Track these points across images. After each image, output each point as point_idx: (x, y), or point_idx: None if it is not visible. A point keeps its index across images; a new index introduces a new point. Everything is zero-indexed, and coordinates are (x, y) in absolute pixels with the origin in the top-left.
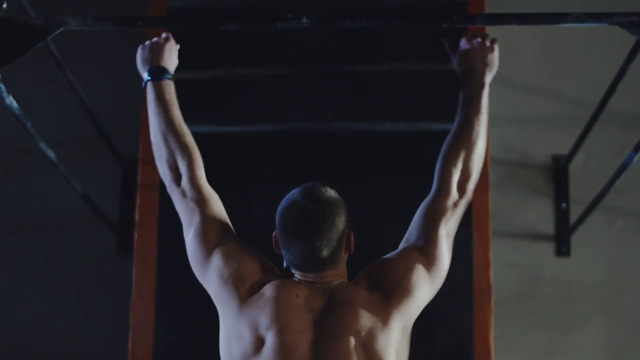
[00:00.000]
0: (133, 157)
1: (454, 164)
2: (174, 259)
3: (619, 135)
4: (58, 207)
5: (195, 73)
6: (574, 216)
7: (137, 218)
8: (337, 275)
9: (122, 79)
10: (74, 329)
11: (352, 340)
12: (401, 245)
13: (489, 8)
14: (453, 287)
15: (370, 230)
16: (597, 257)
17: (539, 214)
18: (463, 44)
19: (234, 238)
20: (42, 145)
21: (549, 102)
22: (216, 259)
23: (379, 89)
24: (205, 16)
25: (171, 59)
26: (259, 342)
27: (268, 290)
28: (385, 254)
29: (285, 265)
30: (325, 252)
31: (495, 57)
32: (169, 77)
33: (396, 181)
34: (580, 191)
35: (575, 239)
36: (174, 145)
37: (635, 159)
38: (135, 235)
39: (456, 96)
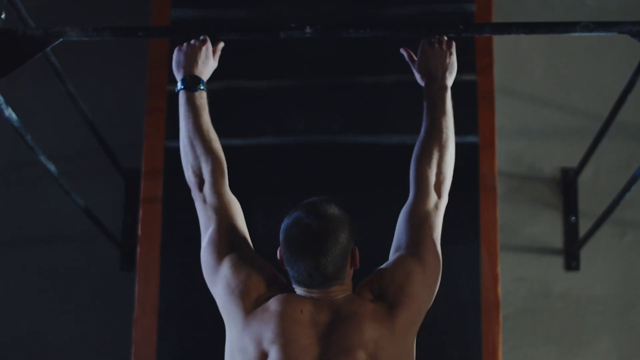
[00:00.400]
0: (136, 171)
1: (429, 167)
2: (177, 273)
3: (629, 148)
4: (62, 222)
5: None
6: (583, 230)
7: (139, 231)
8: (343, 289)
9: (125, 91)
10: (76, 343)
11: (360, 354)
12: (392, 254)
13: (497, 19)
14: (461, 302)
15: (376, 242)
16: (606, 271)
17: (548, 228)
18: (421, 50)
19: (246, 249)
20: (43, 158)
21: (557, 114)
22: (224, 269)
23: (384, 101)
24: (207, 26)
25: (207, 65)
26: (263, 357)
27: (273, 304)
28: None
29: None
30: (330, 269)
31: (454, 60)
32: (202, 87)
33: (402, 193)
34: (589, 204)
35: (584, 253)
36: (199, 152)
37: None
38: (138, 249)
39: (463, 108)
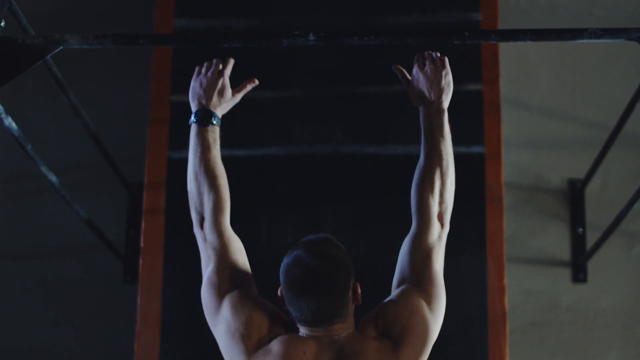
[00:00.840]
0: (140, 183)
1: (432, 196)
2: (180, 286)
3: (636, 158)
4: (64, 234)
5: None
6: (590, 241)
7: (142, 243)
8: (345, 327)
9: (128, 102)
10: (79, 356)
11: None
12: (395, 286)
13: (502, 28)
14: (467, 314)
15: (380, 254)
16: (614, 283)
17: (555, 240)
18: (415, 71)
19: (247, 288)
20: (44, 169)
21: (564, 125)
22: (224, 310)
23: (390, 111)
24: (210, 34)
25: (223, 99)
26: None
27: (275, 346)
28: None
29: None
30: (332, 308)
31: (449, 80)
32: (215, 122)
33: (408, 204)
34: (596, 216)
35: (592, 265)
36: (203, 188)
37: None
38: (140, 261)
39: (469, 118)
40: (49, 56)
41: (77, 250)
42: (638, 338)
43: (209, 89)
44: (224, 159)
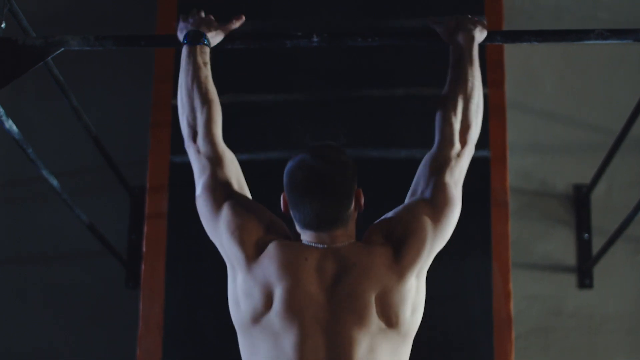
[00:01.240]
0: (142, 187)
1: (454, 114)
2: (182, 291)
3: None
4: (66, 239)
5: None
6: (596, 247)
7: (144, 248)
8: (347, 235)
9: (130, 106)
10: None
11: (367, 298)
12: (407, 198)
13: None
14: (472, 319)
15: None
16: (620, 288)
17: (560, 245)
18: (451, 15)
19: (244, 194)
20: (45, 172)
21: (569, 129)
22: (224, 213)
23: (393, 115)
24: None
25: (211, 26)
26: (268, 300)
27: (277, 250)
28: None
29: (296, 227)
30: (335, 210)
31: (484, 25)
32: (205, 42)
33: None
34: (602, 221)
35: (597, 270)
36: (196, 103)
37: None
38: (143, 265)
39: None
40: (49, 57)
41: (79, 255)
42: None
43: (197, 21)
44: None
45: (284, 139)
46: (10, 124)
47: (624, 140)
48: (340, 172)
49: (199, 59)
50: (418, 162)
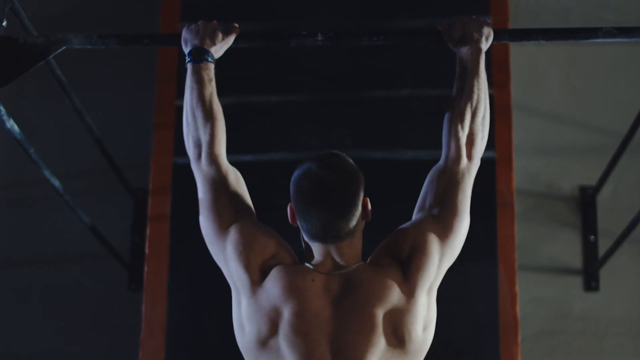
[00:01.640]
0: (145, 190)
1: (460, 129)
2: (185, 293)
3: None
4: (69, 241)
5: None
6: (602, 249)
7: (147, 250)
8: (354, 247)
9: (133, 107)
10: None
11: (375, 318)
12: (415, 215)
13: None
14: (478, 322)
15: None
16: (627, 291)
17: (566, 247)
18: (457, 19)
19: (250, 216)
20: (47, 173)
21: (575, 131)
22: (231, 238)
23: (398, 116)
24: None
25: (215, 39)
26: (274, 325)
27: (282, 274)
28: None
29: (302, 237)
30: (342, 220)
31: (491, 30)
32: (209, 59)
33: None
34: (608, 223)
35: (604, 273)
36: (200, 122)
37: None
38: (145, 268)
39: None
40: (51, 56)
41: (81, 257)
42: None
43: (200, 33)
44: (230, 164)
45: (288, 140)
46: (11, 124)
47: (630, 142)
48: (346, 180)
49: (204, 76)
50: (424, 163)
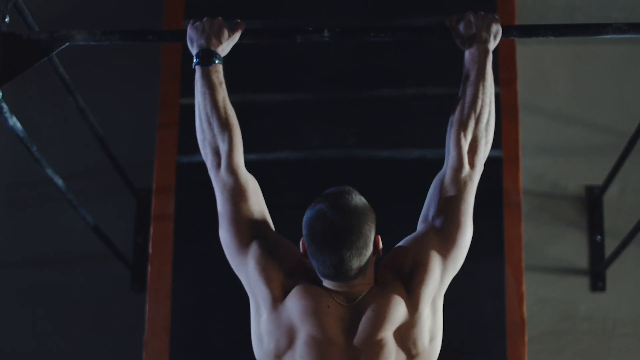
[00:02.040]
0: (148, 190)
1: (464, 136)
2: (189, 293)
3: None
4: (72, 242)
5: None
6: (609, 249)
7: (150, 250)
8: (366, 283)
9: (136, 106)
10: None
11: (385, 340)
12: (419, 224)
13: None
14: (484, 322)
15: None
16: (633, 291)
17: (573, 247)
18: (465, 16)
19: (270, 229)
20: (49, 171)
21: (581, 131)
22: (253, 252)
23: (403, 114)
24: None
25: (221, 38)
26: (291, 341)
27: (301, 294)
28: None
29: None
30: (354, 262)
31: (499, 27)
32: (217, 61)
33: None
34: (615, 223)
35: (610, 273)
36: (216, 130)
37: None
38: (149, 267)
39: None
40: (54, 52)
41: (84, 258)
42: None
43: (206, 32)
44: None
45: (292, 139)
46: (14, 121)
47: (637, 142)
48: (358, 223)
49: (214, 80)
50: (429, 162)
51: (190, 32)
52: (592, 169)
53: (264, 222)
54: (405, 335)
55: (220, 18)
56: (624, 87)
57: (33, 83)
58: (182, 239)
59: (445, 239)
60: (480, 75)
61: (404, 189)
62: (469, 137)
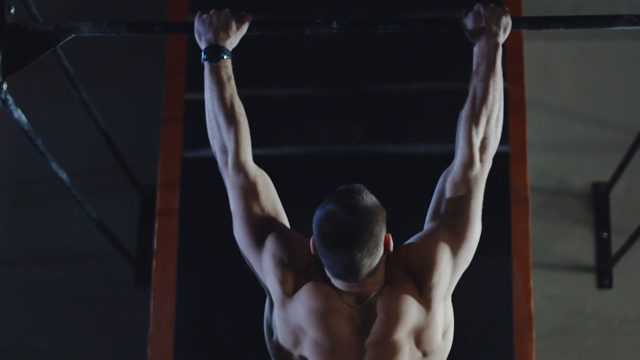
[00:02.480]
0: (152, 186)
1: (475, 133)
2: (194, 289)
3: None
4: (76, 239)
5: None
6: (615, 246)
7: (155, 245)
8: (377, 282)
9: (141, 101)
10: None
11: (399, 342)
12: (427, 222)
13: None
14: (492, 318)
15: None
16: None
17: (579, 244)
18: (475, 8)
19: (283, 225)
20: (54, 165)
21: (588, 127)
22: (268, 248)
23: (410, 109)
24: None
25: (229, 31)
26: (297, 341)
27: (311, 295)
28: None
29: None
30: (365, 263)
31: (509, 20)
32: (225, 56)
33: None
34: (622, 220)
35: (617, 270)
36: (224, 127)
37: None
38: (153, 263)
39: None
40: (60, 44)
41: (88, 254)
42: None
43: (214, 25)
44: None
45: (299, 134)
46: (19, 114)
47: None
48: (369, 224)
49: (222, 76)
50: (436, 157)
51: (197, 25)
52: (598, 166)
53: (276, 218)
54: (420, 335)
55: (227, 10)
56: (631, 83)
57: (37, 79)
58: (187, 235)
59: (456, 236)
60: (491, 70)
61: (410, 184)
62: (481, 134)
